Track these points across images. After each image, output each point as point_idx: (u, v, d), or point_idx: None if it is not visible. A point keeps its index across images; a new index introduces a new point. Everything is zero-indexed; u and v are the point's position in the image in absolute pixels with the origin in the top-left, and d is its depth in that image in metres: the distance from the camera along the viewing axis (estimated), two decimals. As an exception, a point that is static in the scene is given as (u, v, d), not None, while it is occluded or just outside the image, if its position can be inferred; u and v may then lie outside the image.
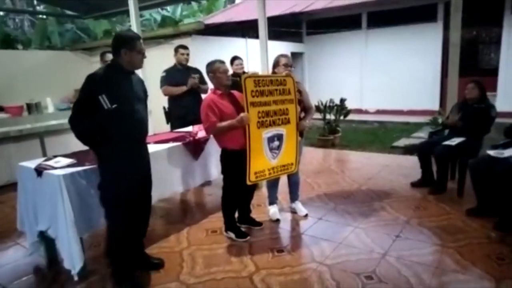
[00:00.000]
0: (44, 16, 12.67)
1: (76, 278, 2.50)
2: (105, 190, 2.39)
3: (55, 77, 7.90)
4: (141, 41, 2.41)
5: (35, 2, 9.44)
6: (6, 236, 3.34)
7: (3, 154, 4.88)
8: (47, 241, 2.79)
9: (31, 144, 5.03)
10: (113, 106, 2.22)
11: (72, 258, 2.46)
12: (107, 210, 2.41)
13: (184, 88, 4.28)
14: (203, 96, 4.32)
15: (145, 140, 2.61)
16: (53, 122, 5.49)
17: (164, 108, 4.58)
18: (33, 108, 6.24)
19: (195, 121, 4.16)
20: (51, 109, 6.57)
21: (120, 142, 2.34)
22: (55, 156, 2.84)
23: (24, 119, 5.80)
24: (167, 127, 4.52)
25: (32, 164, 2.69)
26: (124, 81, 2.37)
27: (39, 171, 2.54)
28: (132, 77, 2.45)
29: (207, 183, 4.29)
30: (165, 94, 4.44)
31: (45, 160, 2.76)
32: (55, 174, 2.44)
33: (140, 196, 2.50)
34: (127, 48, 2.31)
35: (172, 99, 4.44)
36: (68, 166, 2.58)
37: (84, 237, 2.63)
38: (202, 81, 4.37)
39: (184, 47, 4.45)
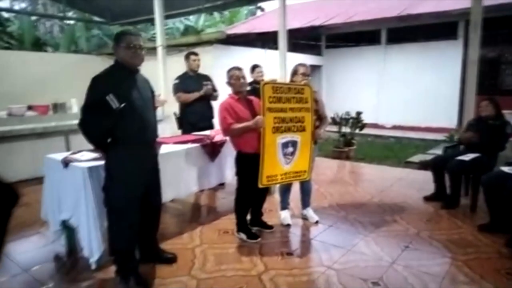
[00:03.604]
0: (73, 22, 13.23)
1: (93, 267, 2.62)
2: (108, 193, 2.41)
3: (80, 79, 8.07)
4: (133, 36, 2.39)
5: (65, 8, 9.88)
6: (29, 225, 3.48)
7: (29, 149, 5.11)
8: (68, 231, 2.94)
9: (56, 141, 5.26)
10: (122, 105, 2.23)
11: (92, 247, 2.58)
12: (108, 212, 2.43)
13: (197, 94, 4.34)
14: (213, 103, 4.45)
15: (154, 143, 2.61)
16: (77, 121, 5.70)
17: (174, 114, 4.65)
18: (58, 107, 6.51)
19: (206, 127, 4.28)
20: (75, 109, 6.82)
21: (128, 143, 2.35)
22: (80, 151, 3.00)
23: (49, 118, 6.07)
24: (179, 133, 4.60)
25: (59, 156, 2.86)
26: (128, 80, 2.37)
27: (65, 163, 2.70)
28: (137, 76, 2.46)
29: (221, 186, 4.40)
30: (179, 101, 4.48)
31: (72, 154, 2.92)
32: (80, 167, 2.59)
33: (145, 199, 2.50)
34: (117, 44, 2.36)
35: (184, 105, 4.47)
36: (93, 159, 2.72)
37: (104, 229, 2.74)
38: (213, 88, 4.48)
39: (195, 54, 4.50)
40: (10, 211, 0.46)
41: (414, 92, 9.67)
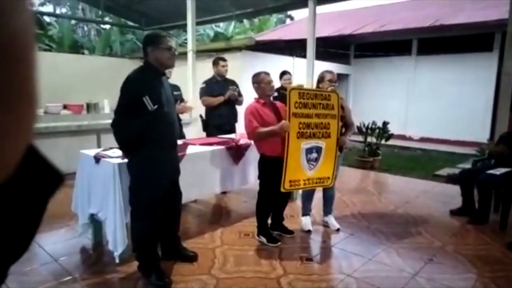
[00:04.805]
0: (109, 26, 13.79)
1: (117, 261, 2.72)
2: (134, 193, 2.46)
3: (113, 81, 8.43)
4: (169, 38, 2.39)
5: (103, 13, 10.34)
6: (59, 218, 3.64)
7: (63, 145, 5.35)
8: (95, 225, 3.07)
9: (88, 139, 5.46)
10: (155, 107, 2.26)
11: (116, 241, 2.68)
12: (133, 211, 2.50)
13: (222, 99, 4.40)
14: (238, 107, 4.50)
15: (176, 144, 2.67)
16: (108, 121, 5.92)
17: (200, 116, 4.73)
18: (91, 107, 6.77)
19: (230, 131, 4.37)
20: (107, 109, 7.08)
21: (155, 145, 2.39)
22: (111, 148, 3.12)
23: (83, 117, 6.34)
24: (204, 135, 4.66)
25: (92, 152, 3.00)
26: (157, 82, 2.40)
27: (97, 158, 2.83)
28: (163, 79, 2.50)
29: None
30: (204, 105, 4.56)
31: (103, 150, 3.05)
32: (111, 162, 2.71)
33: (166, 199, 2.55)
34: (153, 45, 2.34)
35: (210, 109, 4.55)
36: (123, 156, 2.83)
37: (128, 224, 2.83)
38: (238, 93, 4.53)
39: (224, 59, 4.58)
40: (54, 191, 0.51)
41: (445, 104, 9.40)
